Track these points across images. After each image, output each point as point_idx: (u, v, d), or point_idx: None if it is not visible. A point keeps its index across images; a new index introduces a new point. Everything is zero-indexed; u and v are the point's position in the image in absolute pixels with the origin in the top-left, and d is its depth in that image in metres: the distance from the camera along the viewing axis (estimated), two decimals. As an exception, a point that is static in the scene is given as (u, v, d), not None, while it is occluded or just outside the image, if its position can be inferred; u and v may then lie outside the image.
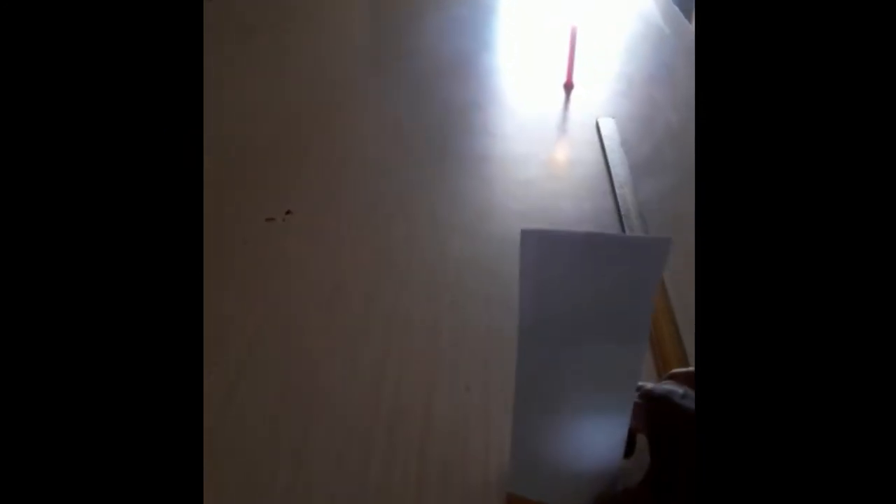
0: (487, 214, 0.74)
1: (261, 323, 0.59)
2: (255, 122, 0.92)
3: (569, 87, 1.00)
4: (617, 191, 0.75)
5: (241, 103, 0.96)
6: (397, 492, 0.46)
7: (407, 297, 0.62)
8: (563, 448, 0.42)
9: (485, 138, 0.89)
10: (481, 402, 0.52)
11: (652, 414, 0.42)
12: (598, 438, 0.42)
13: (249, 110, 0.95)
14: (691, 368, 0.46)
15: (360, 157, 0.85)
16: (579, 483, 0.43)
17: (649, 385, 0.44)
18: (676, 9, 1.29)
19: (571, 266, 0.37)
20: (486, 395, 0.52)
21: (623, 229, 0.70)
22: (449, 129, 0.91)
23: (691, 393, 0.42)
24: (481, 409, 0.51)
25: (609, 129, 0.88)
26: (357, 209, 0.74)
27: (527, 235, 0.36)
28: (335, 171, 0.82)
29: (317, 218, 0.73)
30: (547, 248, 0.36)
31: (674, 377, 0.46)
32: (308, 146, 0.87)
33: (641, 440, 0.43)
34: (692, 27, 1.21)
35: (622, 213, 0.72)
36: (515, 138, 0.89)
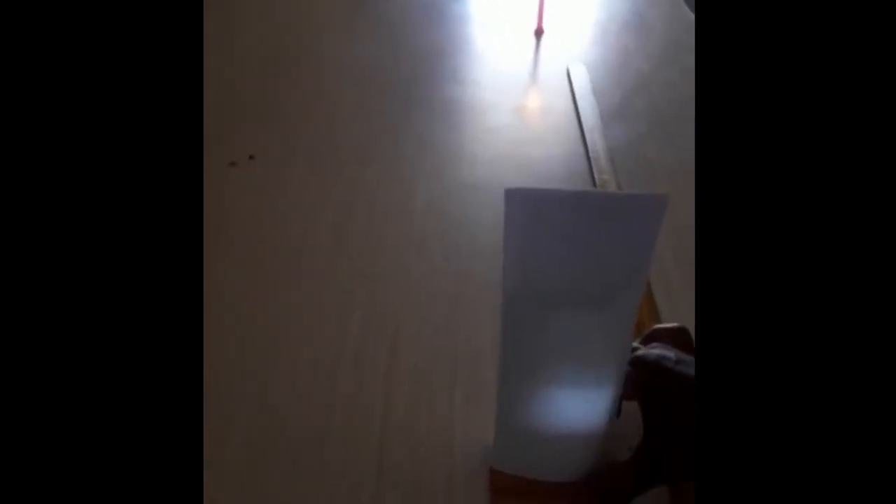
0: (455, 161, 0.72)
1: (224, 268, 0.58)
2: (220, 67, 0.89)
3: (539, 33, 0.98)
4: (587, 136, 0.75)
5: (205, 48, 0.93)
6: (361, 436, 0.46)
7: (373, 242, 0.61)
8: (549, 419, 0.40)
9: (453, 85, 0.87)
10: (449, 346, 0.52)
11: (644, 381, 0.40)
12: (585, 408, 0.40)
13: (214, 55, 0.92)
14: (675, 324, 0.45)
15: (325, 103, 0.82)
16: (567, 456, 0.42)
17: (640, 351, 0.42)
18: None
19: (560, 226, 0.34)
20: (454, 339, 0.52)
21: (592, 174, 0.69)
22: (417, 75, 0.89)
23: (685, 357, 0.41)
24: (449, 353, 0.51)
25: (580, 76, 0.87)
26: (322, 154, 0.73)
27: (511, 195, 0.33)
28: (300, 116, 0.80)
29: (280, 163, 0.71)
30: (533, 207, 0.34)
31: (656, 335, 0.45)
32: (273, 91, 0.84)
33: (631, 407, 0.42)
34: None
35: (591, 157, 0.71)
36: (484, 85, 0.87)
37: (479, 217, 0.63)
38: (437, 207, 0.65)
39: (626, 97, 0.84)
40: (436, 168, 0.71)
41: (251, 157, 0.71)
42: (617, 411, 0.43)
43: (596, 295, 0.36)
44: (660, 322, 0.53)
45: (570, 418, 0.40)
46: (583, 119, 0.78)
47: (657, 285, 0.57)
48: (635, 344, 0.44)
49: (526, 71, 0.92)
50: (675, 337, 0.44)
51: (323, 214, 0.64)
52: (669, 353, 0.41)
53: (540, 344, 0.38)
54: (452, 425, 0.46)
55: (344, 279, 0.57)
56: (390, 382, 0.49)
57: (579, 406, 0.40)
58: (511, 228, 0.34)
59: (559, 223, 0.34)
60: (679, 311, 0.55)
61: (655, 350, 0.41)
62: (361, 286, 0.56)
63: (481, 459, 0.44)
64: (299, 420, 0.46)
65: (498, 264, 0.35)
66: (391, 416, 0.46)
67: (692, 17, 1.00)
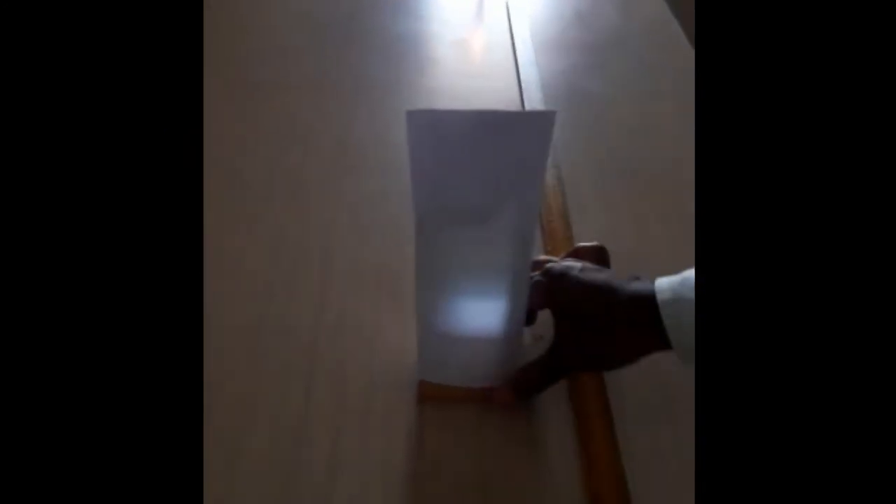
0: (395, 90, 0.75)
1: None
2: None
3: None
4: (520, 67, 0.78)
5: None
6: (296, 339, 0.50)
7: (312, 166, 0.64)
8: (464, 330, 0.43)
9: (396, 18, 0.89)
10: (381, 260, 0.56)
11: (552, 290, 0.44)
12: (495, 316, 0.42)
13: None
14: (594, 243, 0.49)
15: (269, 39, 0.84)
16: (485, 363, 0.45)
17: (550, 263, 0.46)
18: None
19: (460, 146, 0.36)
20: (386, 252, 0.56)
21: (522, 103, 0.72)
22: (361, 8, 0.90)
23: (589, 266, 0.45)
24: (380, 264, 0.55)
25: (519, 9, 0.89)
26: (264, 86, 0.75)
27: (413, 116, 0.35)
28: (241, 52, 0.81)
29: (224, 93, 0.73)
30: (433, 128, 0.35)
31: (578, 252, 0.48)
32: (215, 31, 0.85)
33: (545, 315, 0.46)
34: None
35: (523, 87, 0.74)
36: (427, 18, 0.89)
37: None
38: (376, 137, 0.68)
39: (562, 30, 0.87)
40: (376, 100, 0.74)
41: (196, 91, 0.73)
42: (530, 318, 0.47)
43: (495, 208, 0.38)
44: (573, 240, 0.56)
45: (481, 326, 0.43)
46: (518, 51, 0.81)
47: (572, 202, 0.61)
48: (555, 258, 0.48)
49: (469, 5, 0.94)
50: (593, 254, 0.48)
51: (262, 141, 0.67)
52: (576, 263, 0.45)
53: (448, 258, 0.40)
54: (380, 331, 0.50)
55: (280, 200, 0.60)
56: (323, 287, 0.53)
57: (489, 314, 0.42)
58: (414, 149, 0.36)
59: (458, 142, 0.36)
60: (594, 231, 0.59)
61: (565, 262, 0.45)
62: (295, 208, 0.60)
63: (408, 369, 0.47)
64: (239, 309, 0.50)
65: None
66: (324, 316, 0.51)
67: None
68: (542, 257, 0.49)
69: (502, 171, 0.37)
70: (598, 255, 0.48)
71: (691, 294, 0.38)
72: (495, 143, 0.36)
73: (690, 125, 0.73)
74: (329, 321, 0.51)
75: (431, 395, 0.45)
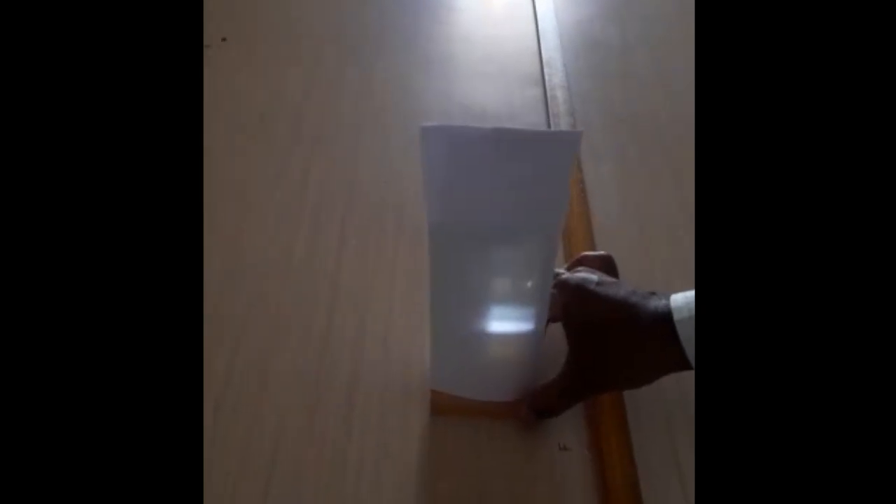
0: (414, 39, 0.77)
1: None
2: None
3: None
4: (538, 15, 0.79)
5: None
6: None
7: (334, 116, 0.67)
8: (481, 342, 0.42)
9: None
10: (400, 200, 0.59)
11: (567, 303, 0.41)
12: (512, 332, 0.41)
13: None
14: (601, 252, 0.48)
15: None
16: (501, 376, 0.44)
17: (564, 275, 0.43)
18: None
19: (476, 162, 0.35)
20: (406, 193, 0.59)
21: (540, 51, 0.74)
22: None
23: (606, 278, 0.43)
24: (400, 204, 0.58)
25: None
26: (290, 35, 0.77)
27: (428, 132, 0.34)
28: (266, 4, 0.83)
29: (250, 47, 0.76)
30: (449, 144, 0.34)
31: (584, 261, 0.47)
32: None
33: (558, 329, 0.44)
34: None
35: (540, 36, 0.76)
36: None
37: (434, 90, 0.69)
38: (396, 81, 0.71)
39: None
40: (395, 46, 0.76)
41: (223, 40, 0.76)
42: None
43: (515, 227, 0.37)
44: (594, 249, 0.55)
45: (498, 342, 0.42)
46: (536, 1, 0.82)
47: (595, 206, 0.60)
48: (561, 270, 0.46)
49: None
50: (600, 263, 0.46)
51: (288, 91, 0.70)
52: (592, 276, 0.42)
53: (465, 274, 0.39)
54: (397, 258, 0.54)
55: (301, 154, 0.63)
56: (345, 222, 0.56)
57: (506, 330, 0.41)
58: (429, 164, 0.35)
59: (475, 159, 0.35)
60: (608, 184, 0.62)
61: (579, 273, 0.43)
62: (316, 161, 0.63)
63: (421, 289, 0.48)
64: (267, 254, 0.54)
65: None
66: (345, 249, 0.54)
67: None
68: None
69: (521, 191, 0.35)
70: (606, 265, 0.46)
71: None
72: (514, 162, 0.34)
73: (704, 74, 0.74)
74: (349, 253, 0.54)
75: (444, 407, 0.45)
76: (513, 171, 0.35)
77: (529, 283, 0.39)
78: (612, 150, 0.64)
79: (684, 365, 0.38)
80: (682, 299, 0.39)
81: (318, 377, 0.46)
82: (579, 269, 0.45)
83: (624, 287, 0.42)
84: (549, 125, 0.66)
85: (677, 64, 0.74)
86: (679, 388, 0.45)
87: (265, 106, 0.67)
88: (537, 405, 0.43)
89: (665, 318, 0.38)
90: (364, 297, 0.51)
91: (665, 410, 0.45)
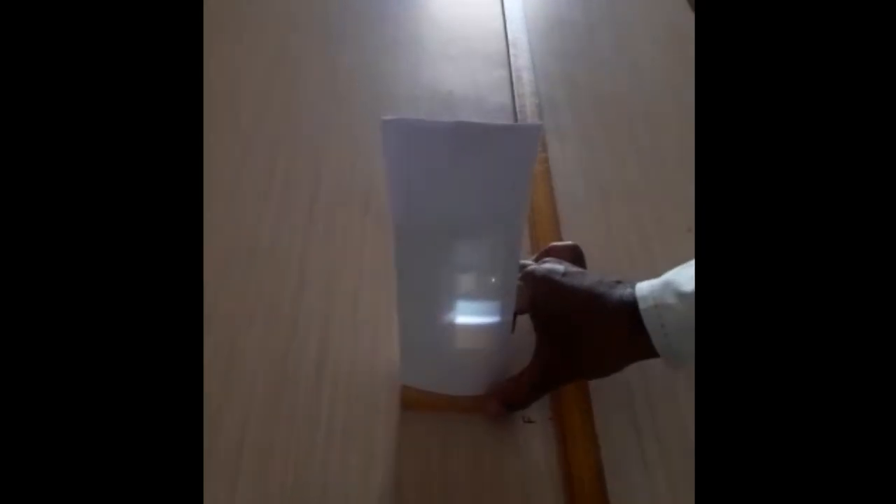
0: (379, 22, 0.77)
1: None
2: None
3: None
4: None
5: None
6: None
7: (299, 98, 0.67)
8: (448, 337, 0.42)
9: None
10: (367, 180, 0.59)
11: (535, 297, 0.42)
12: (479, 326, 0.41)
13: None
14: (569, 242, 0.48)
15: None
16: (470, 371, 0.44)
17: (531, 265, 0.44)
18: None
19: (437, 158, 0.34)
20: (372, 174, 0.59)
21: (506, 31, 0.75)
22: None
23: (572, 269, 0.43)
24: (367, 185, 0.58)
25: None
26: (256, 23, 0.77)
27: (388, 126, 0.34)
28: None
29: (216, 30, 0.75)
30: (410, 139, 0.34)
31: (552, 251, 0.47)
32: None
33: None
34: None
35: (506, 16, 0.76)
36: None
37: (400, 72, 0.70)
38: (361, 66, 0.71)
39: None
40: (362, 29, 0.76)
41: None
42: (511, 326, 0.45)
43: (477, 221, 0.37)
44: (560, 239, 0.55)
45: (465, 336, 0.42)
46: (503, -19, 0.82)
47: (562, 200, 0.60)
48: (528, 261, 0.46)
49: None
50: (568, 253, 0.47)
51: (254, 76, 0.69)
52: (558, 267, 0.43)
53: (428, 269, 0.39)
54: (364, 243, 0.54)
55: (271, 133, 0.63)
56: (312, 202, 0.56)
57: (473, 325, 0.42)
58: (390, 159, 0.35)
59: (435, 154, 0.34)
60: (573, 161, 0.63)
61: (545, 265, 0.43)
62: (284, 139, 0.63)
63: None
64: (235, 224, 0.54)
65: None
66: (313, 227, 0.55)
67: None
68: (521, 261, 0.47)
69: (483, 185, 0.36)
70: (574, 255, 0.47)
71: (672, 299, 0.37)
72: (475, 156, 0.34)
73: (668, 56, 0.75)
74: (317, 237, 0.54)
75: (415, 402, 0.45)
76: (474, 165, 0.35)
77: (494, 276, 0.39)
78: (576, 129, 0.65)
79: (651, 353, 0.39)
80: (647, 288, 0.39)
81: (286, 360, 0.47)
82: (546, 260, 0.45)
83: (590, 277, 0.42)
84: (514, 106, 0.67)
85: (642, 43, 0.75)
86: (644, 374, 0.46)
87: (231, 91, 0.67)
88: (506, 398, 0.43)
89: (631, 308, 0.39)
90: (331, 280, 0.51)
91: (624, 379, 0.46)
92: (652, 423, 0.45)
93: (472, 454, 0.43)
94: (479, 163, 0.35)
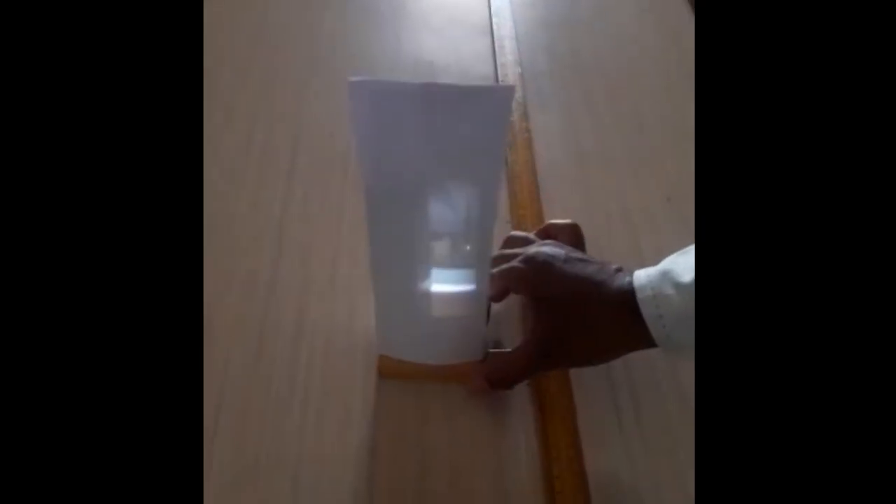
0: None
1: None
2: None
3: None
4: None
5: None
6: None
7: (277, 65, 0.66)
8: (423, 305, 0.41)
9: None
10: (346, 147, 0.58)
11: (536, 282, 0.42)
12: (456, 293, 0.41)
13: None
14: (567, 220, 0.48)
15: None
16: (447, 339, 0.43)
17: (532, 249, 0.44)
18: None
19: (407, 121, 0.33)
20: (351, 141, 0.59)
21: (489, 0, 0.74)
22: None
23: (573, 255, 0.43)
24: (346, 152, 0.58)
25: None
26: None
27: (355, 88, 0.32)
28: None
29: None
30: (378, 101, 0.33)
31: (551, 230, 0.47)
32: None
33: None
34: None
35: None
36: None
37: (382, 41, 0.69)
38: (343, 35, 0.70)
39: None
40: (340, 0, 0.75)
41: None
42: (500, 297, 0.46)
43: (450, 186, 0.36)
44: (542, 215, 0.54)
45: (440, 305, 0.41)
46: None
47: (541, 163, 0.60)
48: (531, 236, 0.47)
49: None
50: (567, 233, 0.47)
51: (234, 44, 0.68)
52: (560, 251, 0.43)
53: (401, 236, 0.38)
54: (343, 212, 0.54)
55: (250, 100, 0.63)
56: (291, 172, 0.56)
57: (447, 293, 0.41)
58: (359, 123, 0.33)
59: (404, 117, 0.33)
60: (553, 129, 0.62)
61: (546, 248, 0.43)
62: (264, 101, 0.62)
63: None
64: (211, 205, 0.54)
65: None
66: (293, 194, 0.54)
67: None
68: (517, 233, 0.49)
69: (455, 149, 0.34)
70: (573, 234, 0.47)
71: (670, 289, 0.37)
72: (446, 119, 0.33)
73: (651, 25, 0.75)
74: (295, 204, 0.54)
75: (392, 372, 0.45)
76: (445, 128, 0.33)
77: (468, 243, 0.39)
78: (558, 97, 0.65)
79: (648, 343, 0.39)
80: (645, 277, 0.39)
81: (263, 326, 0.47)
82: (547, 242, 0.45)
83: (591, 265, 0.42)
84: (496, 76, 0.66)
85: (624, 11, 0.75)
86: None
87: (210, 59, 0.66)
88: (494, 375, 0.43)
89: (629, 297, 0.39)
90: (309, 247, 0.51)
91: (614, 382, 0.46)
92: (629, 390, 0.45)
93: (449, 421, 0.43)
94: (450, 126, 0.33)
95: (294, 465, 0.41)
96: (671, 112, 0.64)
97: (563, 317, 0.41)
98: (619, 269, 0.41)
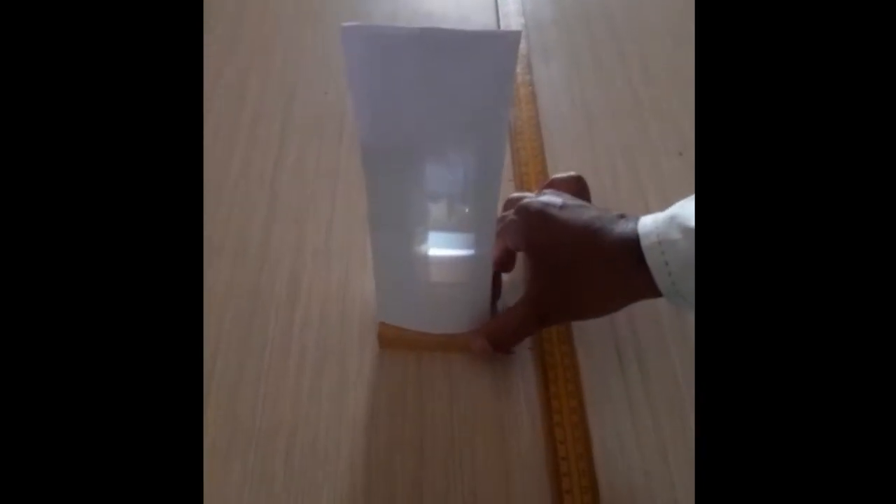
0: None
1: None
2: None
3: None
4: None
5: None
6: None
7: (272, 27, 0.64)
8: (423, 270, 0.39)
9: None
10: (342, 108, 0.56)
11: (529, 231, 0.39)
12: (457, 258, 0.38)
13: None
14: (572, 173, 0.46)
15: None
16: (450, 307, 0.41)
17: (527, 198, 0.41)
18: None
19: (405, 69, 0.31)
20: (347, 101, 0.57)
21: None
22: None
23: (571, 201, 0.40)
24: (341, 112, 0.56)
25: None
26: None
27: (349, 34, 0.30)
28: None
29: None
30: (373, 48, 0.30)
31: (553, 184, 0.44)
32: None
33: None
34: None
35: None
36: None
37: (375, 5, 0.66)
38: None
39: None
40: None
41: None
42: (508, 264, 0.43)
43: (453, 138, 0.33)
44: (547, 174, 0.52)
45: (440, 270, 0.39)
46: None
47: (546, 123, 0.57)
48: (528, 194, 0.44)
49: None
50: (571, 185, 0.44)
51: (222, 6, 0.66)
52: (556, 199, 0.40)
53: (400, 195, 0.36)
54: (338, 171, 0.52)
55: (243, 57, 0.60)
56: (284, 131, 0.54)
57: (447, 258, 0.38)
58: (352, 71, 0.31)
59: (402, 64, 0.30)
60: (557, 79, 0.60)
61: (542, 197, 0.40)
62: (259, 63, 0.60)
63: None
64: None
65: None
66: (284, 159, 0.52)
67: None
68: (517, 194, 0.45)
69: (458, 99, 0.32)
70: (577, 186, 0.44)
71: (678, 234, 0.34)
72: (446, 67, 0.30)
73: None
74: (289, 164, 0.52)
75: (393, 341, 0.42)
76: (445, 77, 0.31)
77: (468, 205, 0.36)
78: (563, 49, 0.62)
79: (653, 293, 0.36)
80: (651, 223, 0.36)
81: (256, 290, 0.45)
82: (544, 192, 0.42)
83: (589, 211, 0.39)
84: (498, 27, 0.63)
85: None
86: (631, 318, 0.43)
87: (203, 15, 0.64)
88: (493, 336, 0.41)
89: (632, 243, 0.36)
90: (303, 210, 0.49)
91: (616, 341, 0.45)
92: (635, 352, 0.44)
93: (450, 389, 0.42)
94: (450, 75, 0.30)
95: (288, 433, 0.40)
96: (682, 63, 0.60)
97: (560, 268, 0.38)
98: (621, 216, 0.38)
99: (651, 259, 0.35)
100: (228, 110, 0.55)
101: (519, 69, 0.58)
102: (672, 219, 0.35)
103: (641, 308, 0.41)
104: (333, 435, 0.40)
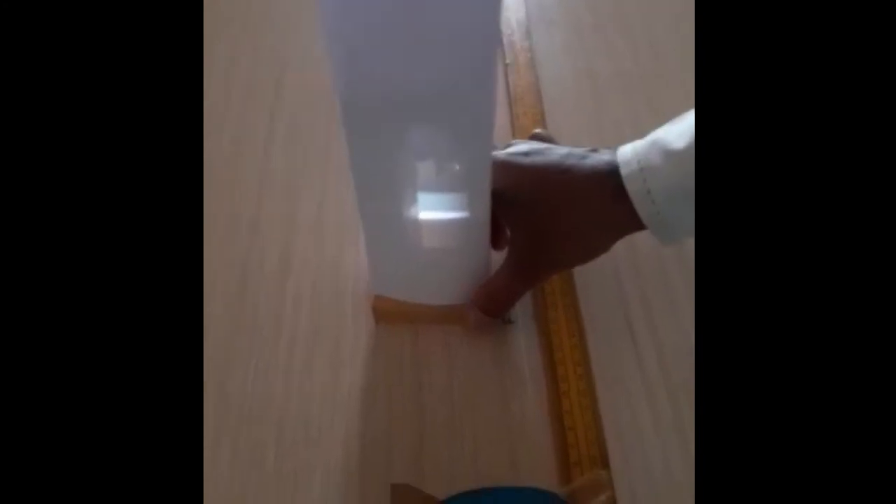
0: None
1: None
2: None
3: None
4: None
5: None
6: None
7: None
8: (414, 237, 0.36)
9: None
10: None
11: (498, 181, 0.35)
12: (449, 221, 0.36)
13: None
14: (547, 132, 0.43)
15: None
16: (445, 276, 0.39)
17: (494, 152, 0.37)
18: None
19: (384, 15, 0.28)
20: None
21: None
22: None
23: (537, 146, 0.37)
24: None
25: None
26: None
27: None
28: None
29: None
30: None
31: (533, 139, 0.41)
32: None
33: None
34: None
35: None
36: None
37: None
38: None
39: None
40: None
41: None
42: (499, 239, 0.40)
43: (440, 93, 0.30)
44: (546, 123, 0.50)
45: (431, 235, 0.36)
46: None
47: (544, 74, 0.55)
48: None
49: None
50: (550, 136, 0.42)
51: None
52: (522, 146, 0.37)
53: (385, 155, 0.33)
54: (329, 147, 0.50)
55: (232, 34, 0.59)
56: (273, 112, 0.52)
57: (438, 221, 0.36)
58: (327, 16, 0.28)
59: (381, 10, 0.28)
60: (558, 48, 0.57)
61: (509, 149, 0.37)
62: (248, 39, 0.58)
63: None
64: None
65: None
66: (275, 131, 0.51)
67: None
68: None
69: (442, 52, 0.29)
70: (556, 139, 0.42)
71: (660, 159, 0.32)
72: (429, 15, 0.28)
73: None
74: (279, 141, 0.50)
75: (388, 313, 0.41)
76: (429, 26, 0.28)
77: (458, 163, 0.33)
78: (564, 14, 0.60)
79: (638, 225, 0.34)
80: (630, 151, 0.34)
81: (246, 266, 0.43)
82: (512, 142, 0.39)
83: (556, 151, 0.36)
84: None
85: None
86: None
87: None
88: (485, 303, 0.38)
89: (608, 175, 0.34)
90: (294, 185, 0.48)
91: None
92: (644, 311, 0.41)
93: (448, 358, 0.40)
94: (434, 24, 0.28)
95: (280, 409, 0.38)
96: (689, 33, 0.58)
97: (535, 215, 0.36)
98: (593, 150, 0.36)
99: (632, 188, 0.33)
100: (217, 85, 0.54)
101: (518, 35, 0.56)
102: (653, 143, 0.33)
103: (647, 264, 0.38)
104: (328, 410, 0.38)
